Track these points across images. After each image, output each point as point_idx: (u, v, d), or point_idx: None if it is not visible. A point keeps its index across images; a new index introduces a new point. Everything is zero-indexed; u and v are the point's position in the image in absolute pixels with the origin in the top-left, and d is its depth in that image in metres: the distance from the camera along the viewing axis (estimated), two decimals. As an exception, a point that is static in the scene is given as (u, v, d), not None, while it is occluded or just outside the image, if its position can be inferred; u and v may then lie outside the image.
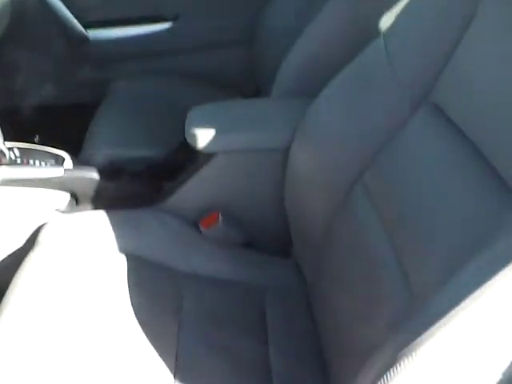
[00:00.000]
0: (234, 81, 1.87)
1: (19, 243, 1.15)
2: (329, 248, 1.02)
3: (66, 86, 1.72)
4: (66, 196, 1.18)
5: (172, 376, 0.89)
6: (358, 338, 0.84)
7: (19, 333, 0.90)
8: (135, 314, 0.96)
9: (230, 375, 0.92)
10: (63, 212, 1.16)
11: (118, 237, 1.10)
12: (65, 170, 1.17)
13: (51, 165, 1.18)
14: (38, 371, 0.85)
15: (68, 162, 1.22)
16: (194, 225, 1.18)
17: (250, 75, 1.81)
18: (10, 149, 1.16)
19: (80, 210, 1.17)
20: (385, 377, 0.60)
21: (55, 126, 1.54)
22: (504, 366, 0.62)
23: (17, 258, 1.06)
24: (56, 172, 1.16)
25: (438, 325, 0.59)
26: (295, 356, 0.98)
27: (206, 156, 1.16)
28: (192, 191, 1.18)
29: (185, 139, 1.17)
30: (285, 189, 1.13)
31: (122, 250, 1.08)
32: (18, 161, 1.16)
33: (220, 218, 1.16)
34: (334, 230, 1.02)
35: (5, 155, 1.14)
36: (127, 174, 1.28)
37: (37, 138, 1.56)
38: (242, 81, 1.88)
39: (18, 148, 1.18)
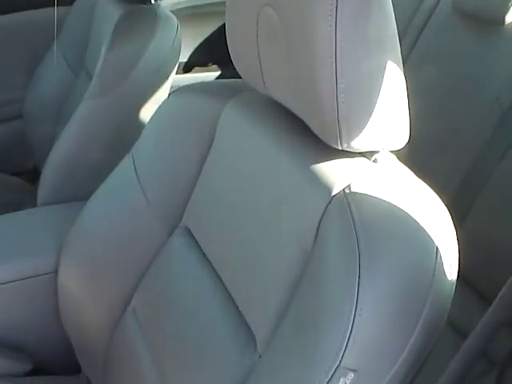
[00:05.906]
0: (11, 157, 1.81)
1: None
2: (111, 364, 1.02)
3: None
4: None
5: None
6: None
7: None
8: None
9: None
10: None
11: None
12: None
13: None
14: None
15: None
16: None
17: (27, 150, 1.77)
18: None
19: None
20: None
21: None
22: None
23: None
24: None
25: None
26: None
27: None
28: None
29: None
30: (60, 309, 1.11)
31: None
32: None
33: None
34: (115, 346, 1.02)
35: None
36: None
37: None
38: (20, 157, 1.83)
39: None
